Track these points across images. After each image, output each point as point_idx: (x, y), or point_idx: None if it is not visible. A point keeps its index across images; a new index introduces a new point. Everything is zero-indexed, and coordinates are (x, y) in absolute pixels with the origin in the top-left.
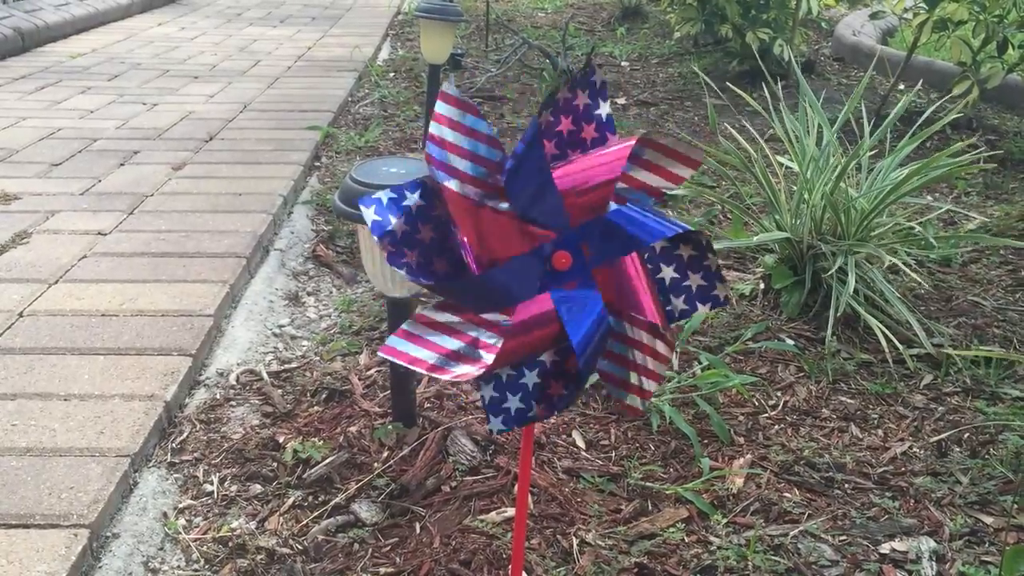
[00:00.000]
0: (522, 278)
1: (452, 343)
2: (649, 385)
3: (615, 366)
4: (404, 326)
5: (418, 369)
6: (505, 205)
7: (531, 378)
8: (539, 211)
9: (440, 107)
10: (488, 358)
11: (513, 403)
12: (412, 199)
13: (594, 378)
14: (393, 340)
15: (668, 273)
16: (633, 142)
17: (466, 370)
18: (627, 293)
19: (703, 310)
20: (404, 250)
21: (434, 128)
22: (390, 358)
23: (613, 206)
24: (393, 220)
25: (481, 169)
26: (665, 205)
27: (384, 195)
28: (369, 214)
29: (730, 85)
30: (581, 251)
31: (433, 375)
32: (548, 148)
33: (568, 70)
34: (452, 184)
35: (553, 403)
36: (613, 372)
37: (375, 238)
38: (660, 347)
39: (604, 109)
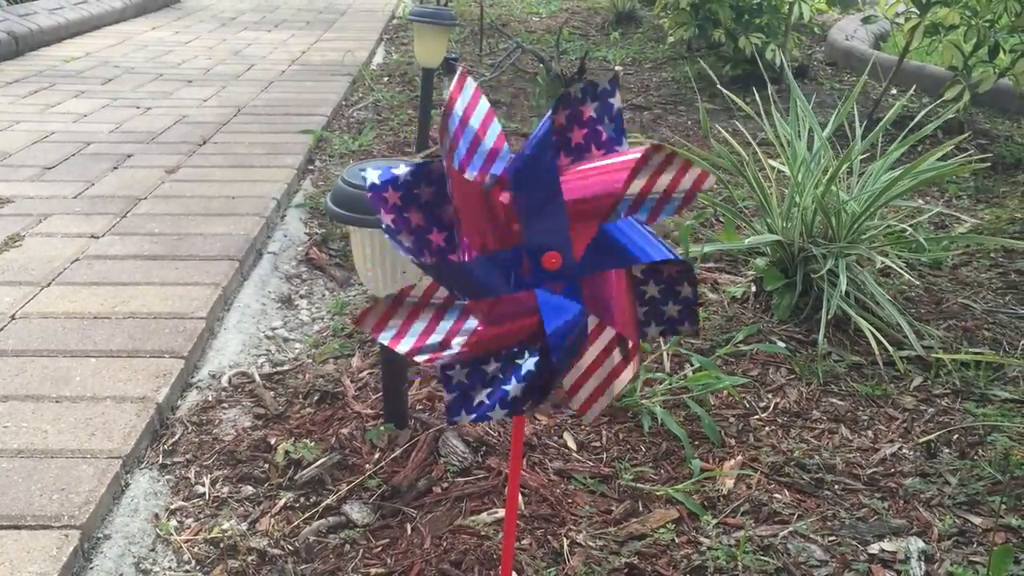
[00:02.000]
0: (510, 272)
1: (435, 323)
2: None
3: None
4: (385, 303)
5: (395, 348)
6: (506, 198)
7: (496, 370)
8: (540, 214)
9: (469, 100)
10: (466, 341)
11: (480, 395)
12: (403, 171)
13: None
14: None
15: (652, 291)
16: (640, 152)
17: (444, 352)
18: (605, 302)
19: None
20: (405, 215)
21: (451, 107)
22: (364, 328)
23: (612, 218)
24: (391, 190)
25: (499, 167)
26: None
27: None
28: (372, 175)
29: (722, 89)
30: (572, 255)
31: (409, 355)
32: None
33: (561, 75)
34: (468, 174)
35: (521, 400)
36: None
37: (374, 203)
38: (618, 358)
39: (609, 129)
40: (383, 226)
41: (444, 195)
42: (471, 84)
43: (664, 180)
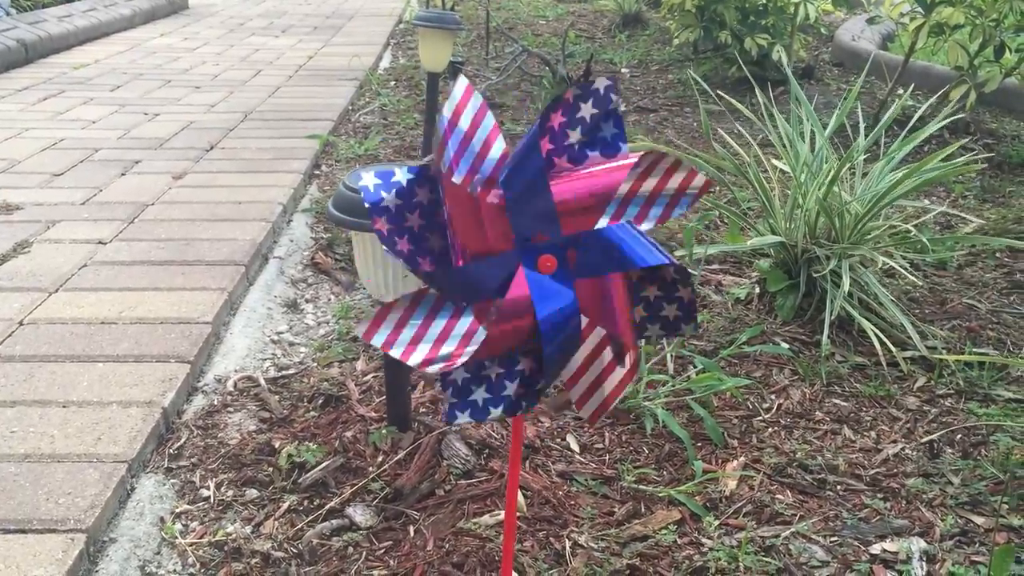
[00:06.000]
0: (506, 275)
1: (434, 330)
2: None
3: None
4: (380, 315)
5: (398, 356)
6: (498, 201)
7: (494, 369)
8: (532, 213)
9: (458, 102)
10: (470, 349)
11: (479, 394)
12: (403, 176)
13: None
14: (367, 327)
15: (651, 293)
16: (637, 158)
17: (445, 360)
18: (601, 304)
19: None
20: (404, 222)
21: (451, 119)
22: (368, 341)
23: (606, 221)
24: (386, 195)
25: (489, 167)
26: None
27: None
28: (369, 180)
29: (722, 94)
30: (567, 258)
31: (410, 363)
32: (548, 149)
33: (567, 77)
34: (456, 177)
35: (518, 400)
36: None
37: (371, 213)
38: (608, 358)
39: (610, 130)
40: (377, 233)
41: (440, 199)
42: (461, 84)
43: (659, 181)
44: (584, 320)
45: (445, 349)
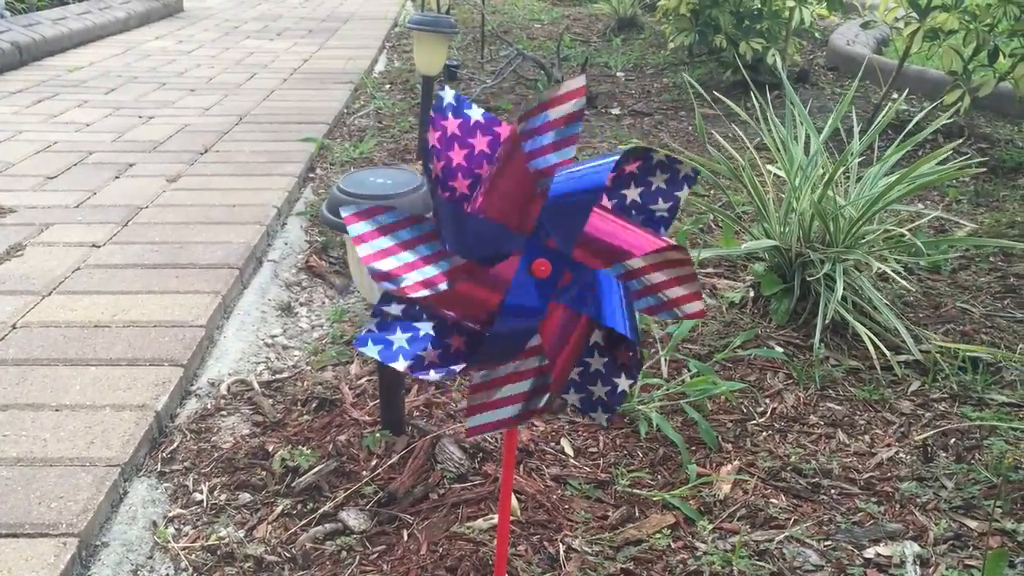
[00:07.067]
0: (506, 250)
1: (412, 254)
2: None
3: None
4: (372, 210)
5: (362, 255)
6: (539, 190)
7: (425, 326)
8: (560, 220)
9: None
10: (425, 292)
11: (398, 338)
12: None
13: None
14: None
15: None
16: (667, 242)
17: (401, 284)
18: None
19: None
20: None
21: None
22: (349, 225)
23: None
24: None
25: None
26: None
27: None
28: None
29: (720, 96)
30: (550, 248)
31: (386, 281)
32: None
33: (562, 81)
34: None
35: (428, 365)
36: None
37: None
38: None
39: (662, 210)
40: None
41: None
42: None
43: (665, 276)
44: (536, 340)
45: (411, 275)
